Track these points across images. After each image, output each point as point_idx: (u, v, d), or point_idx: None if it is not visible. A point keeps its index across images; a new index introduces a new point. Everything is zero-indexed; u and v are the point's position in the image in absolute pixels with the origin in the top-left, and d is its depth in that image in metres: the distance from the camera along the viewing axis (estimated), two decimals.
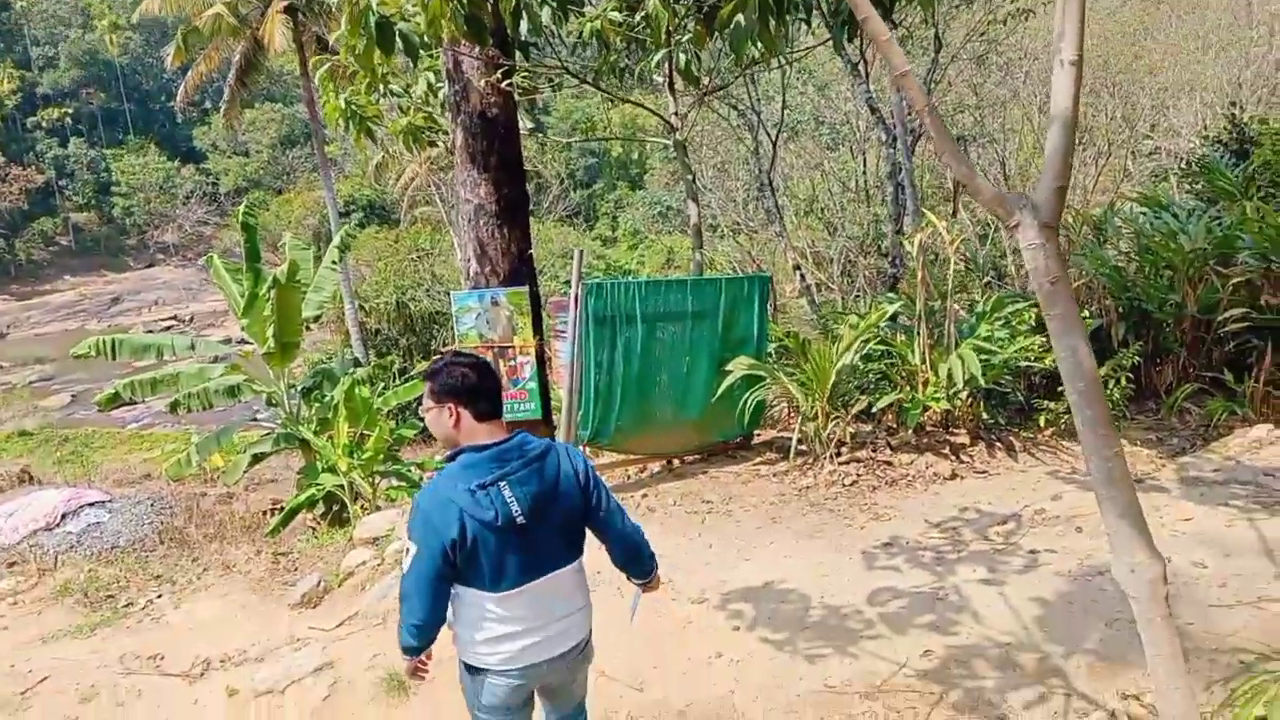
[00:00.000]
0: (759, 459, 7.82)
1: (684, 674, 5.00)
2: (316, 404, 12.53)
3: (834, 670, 4.83)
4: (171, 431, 22.96)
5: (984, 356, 7.29)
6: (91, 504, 12.58)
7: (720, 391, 7.38)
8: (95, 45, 61.60)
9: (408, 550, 2.64)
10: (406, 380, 14.35)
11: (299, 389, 13.34)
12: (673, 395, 7.44)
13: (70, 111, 59.94)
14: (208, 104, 60.21)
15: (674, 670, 5.03)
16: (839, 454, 7.40)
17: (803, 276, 12.47)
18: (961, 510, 6.61)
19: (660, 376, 7.36)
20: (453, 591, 2.72)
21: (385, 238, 34.28)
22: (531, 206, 8.19)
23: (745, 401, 7.40)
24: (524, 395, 8.05)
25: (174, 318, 50.06)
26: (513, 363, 7.99)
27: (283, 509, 10.78)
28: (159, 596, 7.25)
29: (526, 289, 7.88)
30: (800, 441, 7.43)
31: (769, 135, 14.46)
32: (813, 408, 7.43)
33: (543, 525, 2.69)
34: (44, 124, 58.57)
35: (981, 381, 7.18)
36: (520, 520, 2.62)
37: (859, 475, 7.16)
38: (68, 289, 55.46)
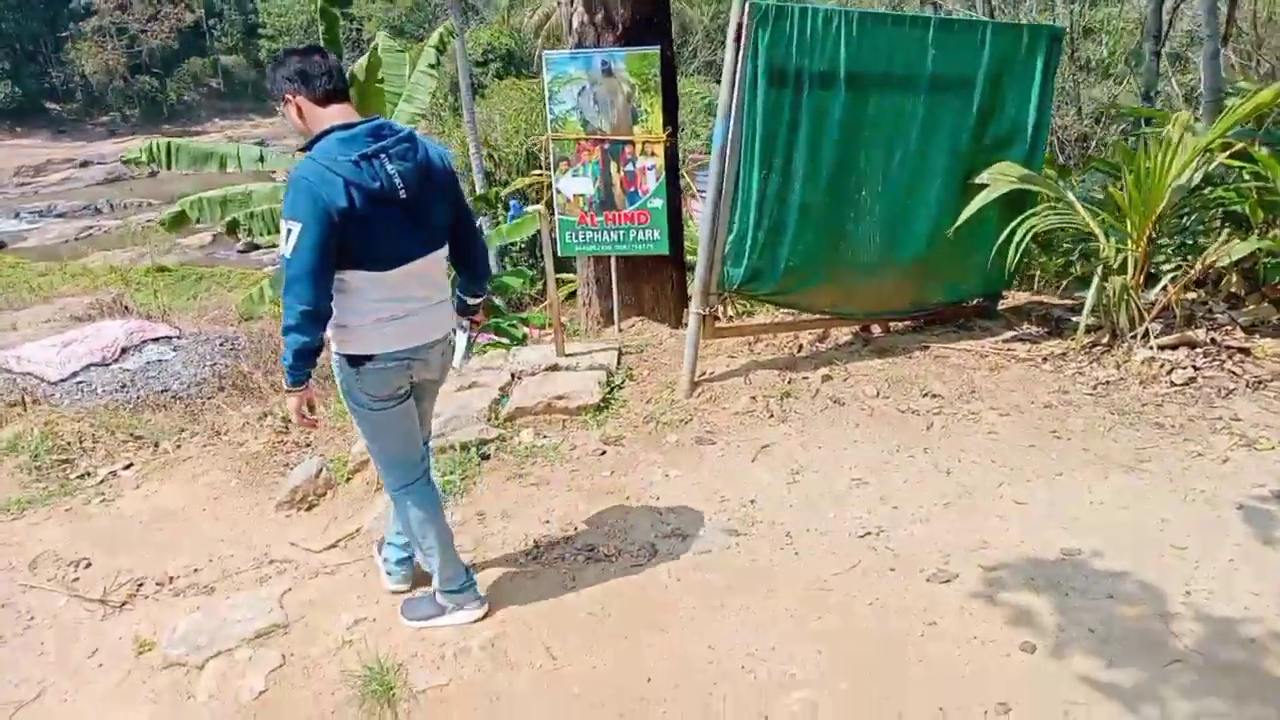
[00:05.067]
0: (1011, 333, 4.94)
1: None
2: None
3: None
4: None
5: None
6: (156, 339, 10.86)
7: (964, 218, 4.49)
8: None
9: (289, 231, 2.51)
10: (515, 217, 11.86)
11: None
12: (881, 219, 4.58)
13: None
14: None
15: None
16: (1153, 333, 4.47)
17: None
18: None
19: (862, 187, 4.51)
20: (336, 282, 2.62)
21: (521, 87, 31.86)
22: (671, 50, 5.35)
23: (1012, 239, 4.45)
24: (644, 217, 5.40)
25: None
26: (630, 167, 5.31)
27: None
28: (126, 467, 5.23)
29: (658, 50, 5.10)
30: (1094, 310, 4.51)
31: None
32: (1119, 256, 4.48)
33: (420, 204, 2.66)
34: None
35: None
36: (403, 194, 2.60)
37: (1196, 368, 4.24)
38: (215, 132, 55.61)
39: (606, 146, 5.30)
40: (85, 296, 14.54)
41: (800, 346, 4.91)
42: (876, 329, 5.08)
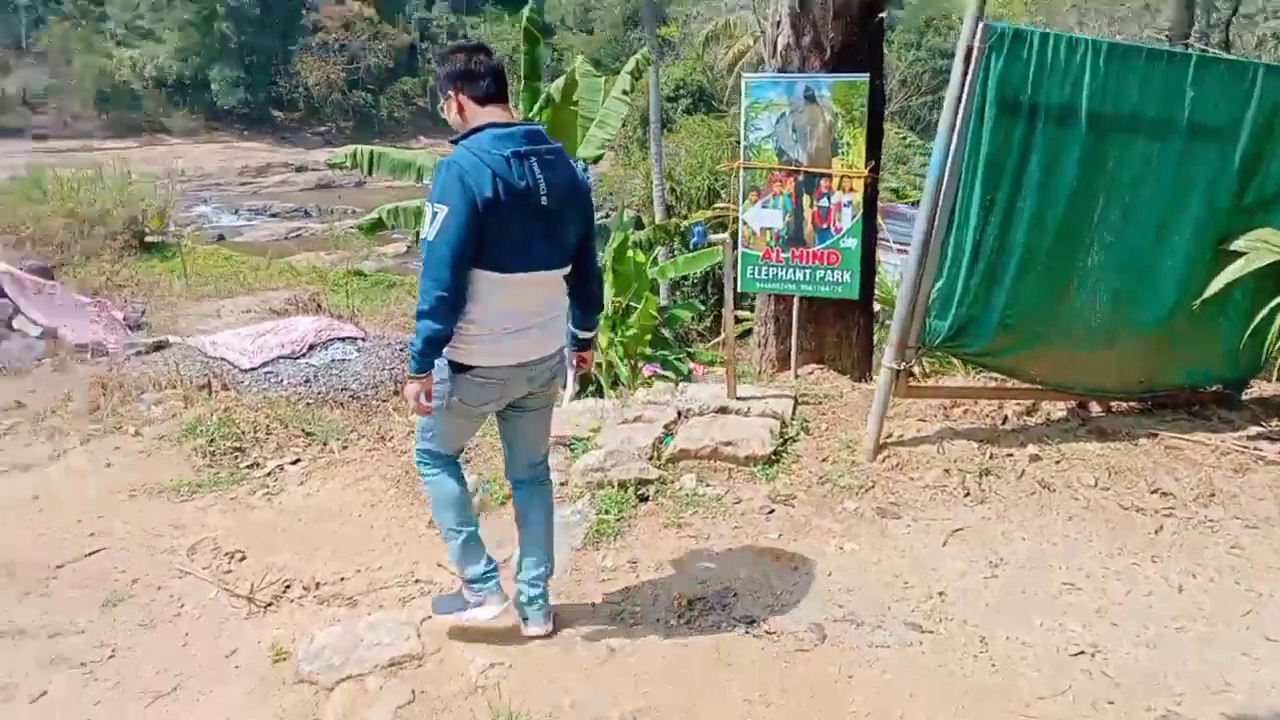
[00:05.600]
0: (1257, 429, 4.22)
1: None
2: None
3: None
4: None
5: None
6: (343, 338, 11.36)
7: (1214, 289, 3.87)
8: None
9: (435, 214, 2.50)
10: (695, 249, 11.69)
11: None
12: (1113, 281, 4.01)
13: None
14: None
15: None
16: None
17: None
18: None
19: (1094, 241, 3.95)
20: None
21: (709, 123, 32.13)
22: None
23: (1274, 319, 3.76)
24: (835, 257, 5.02)
25: None
26: (824, 201, 4.96)
27: None
28: (294, 462, 5.28)
29: (867, 78, 4.75)
30: None
31: None
32: None
33: (558, 215, 2.65)
34: None
35: None
36: (544, 200, 2.59)
37: None
38: (420, 148, 58.78)
39: (801, 178, 4.98)
40: (285, 292, 15.41)
41: (1005, 418, 4.37)
42: (1095, 407, 4.47)
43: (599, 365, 7.81)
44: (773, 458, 4.05)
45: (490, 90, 2.65)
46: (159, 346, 9.37)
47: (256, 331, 10.65)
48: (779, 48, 4.99)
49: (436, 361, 2.66)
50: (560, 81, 9.34)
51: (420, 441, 2.96)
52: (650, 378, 8.06)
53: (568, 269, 2.80)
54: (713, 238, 4.60)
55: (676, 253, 13.63)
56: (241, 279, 15.18)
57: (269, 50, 53.83)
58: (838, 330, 5.33)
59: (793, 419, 4.45)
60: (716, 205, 12.13)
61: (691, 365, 8.84)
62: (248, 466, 5.22)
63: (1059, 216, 3.86)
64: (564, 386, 3.04)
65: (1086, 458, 3.98)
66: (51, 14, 52.79)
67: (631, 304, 8.83)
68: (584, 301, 2.98)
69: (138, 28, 52.40)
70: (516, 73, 10.62)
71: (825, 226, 4.99)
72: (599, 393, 7.76)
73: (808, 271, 5.10)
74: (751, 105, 4.93)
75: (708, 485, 3.92)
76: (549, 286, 2.75)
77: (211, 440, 5.41)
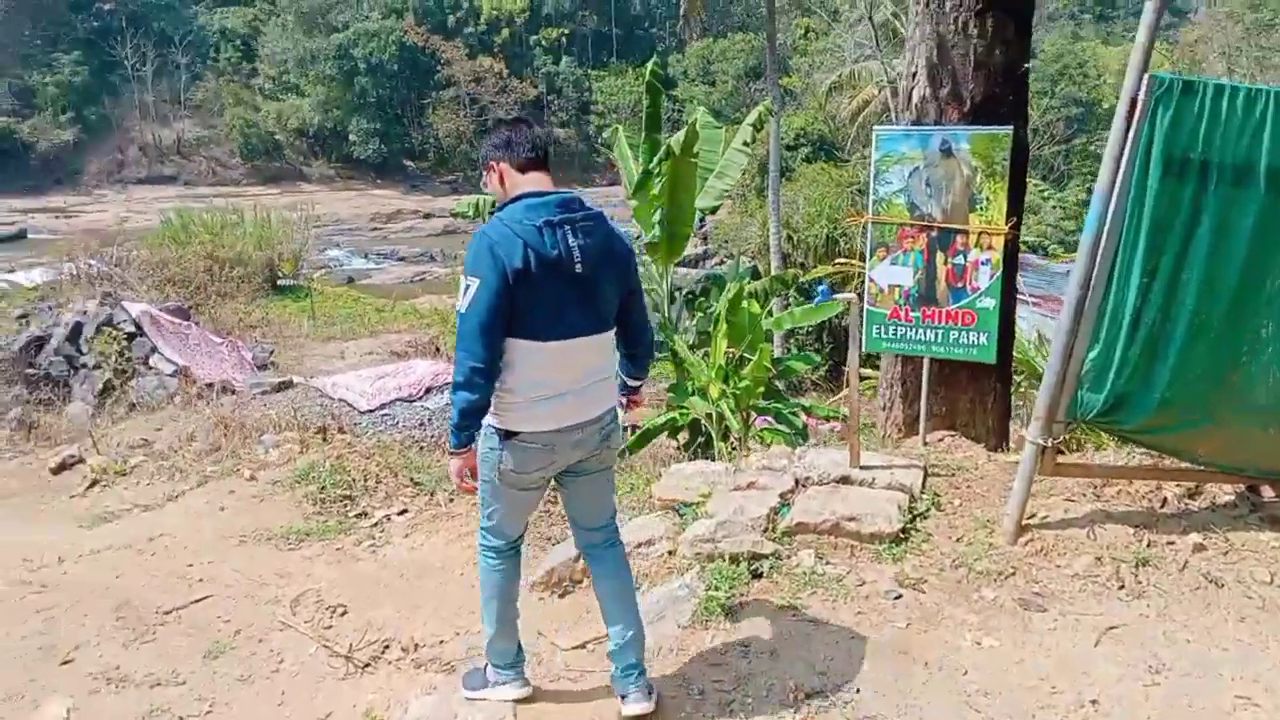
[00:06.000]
0: None
1: None
2: (700, 314, 10.54)
3: None
4: None
5: None
6: None
7: None
8: None
9: (468, 287, 2.54)
10: (813, 301, 11.40)
11: (684, 293, 11.21)
12: None
13: (566, 32, 64.64)
14: (686, 34, 61.53)
15: None
16: None
17: None
18: None
19: (1269, 313, 3.50)
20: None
21: (830, 172, 31.74)
22: None
23: None
24: (970, 318, 4.69)
25: None
26: (959, 259, 4.64)
27: (638, 429, 8.66)
28: (401, 513, 5.27)
29: (1010, 130, 4.44)
30: None
31: None
32: None
33: (594, 282, 2.65)
34: (543, 42, 63.76)
35: None
36: (579, 268, 2.60)
37: None
38: None
39: (934, 235, 4.68)
40: (406, 335, 15.79)
41: (1164, 500, 3.92)
42: (1268, 491, 3.97)
43: (709, 416, 7.62)
44: (900, 536, 3.73)
45: (530, 157, 2.68)
46: (283, 386, 9.64)
47: (376, 374, 10.88)
48: (914, 100, 4.74)
49: (484, 430, 2.70)
50: (681, 135, 9.30)
51: (483, 520, 2.94)
52: (763, 431, 7.80)
53: (610, 332, 2.80)
54: (838, 297, 4.37)
55: (792, 302, 13.32)
56: (366, 320, 15.63)
57: (404, 103, 56.45)
58: (971, 395, 4.97)
59: (923, 492, 4.11)
60: (838, 261, 11.84)
61: (805, 419, 8.52)
62: (356, 515, 5.22)
63: (1232, 282, 3.44)
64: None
65: (1259, 549, 3.50)
66: (208, 70, 56.98)
67: (745, 355, 8.63)
68: (632, 354, 3.00)
69: (284, 82, 55.84)
70: (639, 125, 10.67)
71: (960, 285, 4.67)
72: (708, 444, 7.56)
73: (940, 332, 4.78)
74: (882, 159, 4.68)
75: (828, 563, 3.62)
76: (589, 353, 2.72)
77: (323, 487, 5.44)
